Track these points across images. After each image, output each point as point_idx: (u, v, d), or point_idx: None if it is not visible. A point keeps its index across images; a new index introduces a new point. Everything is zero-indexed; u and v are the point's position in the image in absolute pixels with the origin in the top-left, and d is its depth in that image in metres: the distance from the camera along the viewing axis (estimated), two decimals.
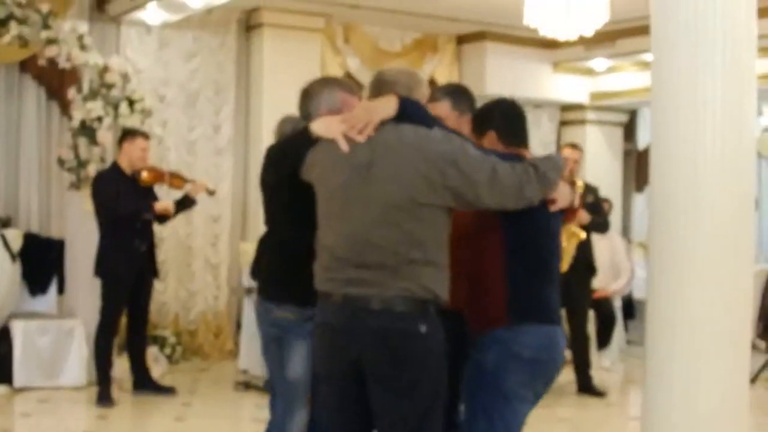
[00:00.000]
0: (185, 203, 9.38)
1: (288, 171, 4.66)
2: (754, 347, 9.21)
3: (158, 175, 9.22)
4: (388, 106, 4.28)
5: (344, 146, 4.27)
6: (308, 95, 4.98)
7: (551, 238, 4.66)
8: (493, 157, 4.28)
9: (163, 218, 9.29)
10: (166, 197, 9.49)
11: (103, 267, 8.95)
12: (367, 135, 4.25)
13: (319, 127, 4.49)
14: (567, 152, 9.50)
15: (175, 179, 9.38)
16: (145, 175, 9.11)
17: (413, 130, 4.25)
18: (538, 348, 4.50)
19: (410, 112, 4.30)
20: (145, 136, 9.21)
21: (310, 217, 4.56)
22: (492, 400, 4.48)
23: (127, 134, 9.15)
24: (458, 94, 4.98)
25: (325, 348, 4.39)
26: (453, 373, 4.48)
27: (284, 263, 4.96)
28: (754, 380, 9.96)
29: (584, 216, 9.03)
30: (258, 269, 6.64)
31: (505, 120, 4.76)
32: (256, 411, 8.77)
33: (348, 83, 5.24)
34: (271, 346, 5.08)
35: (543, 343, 4.53)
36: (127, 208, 8.87)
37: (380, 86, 4.48)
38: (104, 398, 8.69)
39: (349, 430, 4.44)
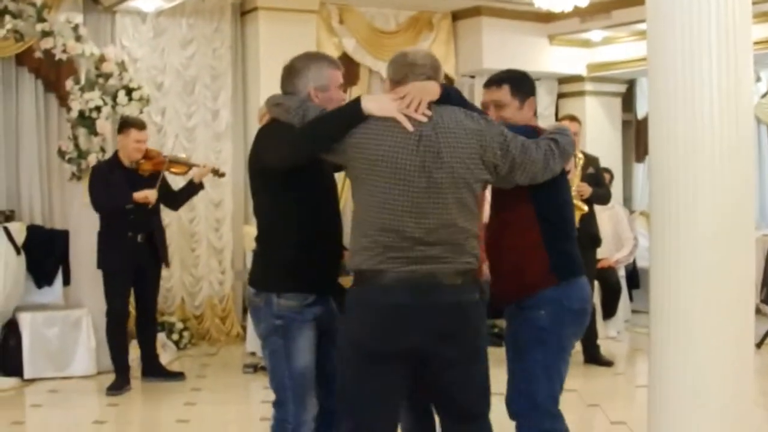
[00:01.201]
0: (190, 190, 9.38)
1: (310, 156, 4.60)
2: (758, 312, 9.24)
3: (158, 164, 9.13)
4: (433, 89, 4.44)
5: (408, 126, 4.34)
6: (294, 71, 4.96)
7: (568, 200, 5.09)
8: (520, 136, 4.58)
9: (174, 204, 9.37)
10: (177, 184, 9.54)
11: (100, 258, 8.99)
12: (422, 114, 4.36)
13: (373, 105, 4.38)
14: (566, 124, 9.47)
15: (176, 165, 9.33)
16: (143, 164, 9.08)
17: (465, 115, 4.47)
18: (583, 299, 4.96)
19: (453, 97, 4.52)
20: (139, 126, 9.15)
21: (310, 203, 4.67)
22: (550, 355, 4.87)
23: (121, 127, 9.13)
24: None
25: (385, 327, 4.40)
26: None
27: (287, 252, 4.90)
28: (759, 345, 9.99)
29: (586, 189, 9.06)
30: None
31: (534, 89, 5.16)
32: (265, 393, 8.78)
33: (332, 57, 5.23)
34: (273, 338, 4.96)
35: (584, 294, 4.98)
36: (109, 202, 8.89)
37: (409, 67, 4.57)
38: (117, 386, 8.75)
39: (391, 408, 4.58)
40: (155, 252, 9.18)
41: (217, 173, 9.64)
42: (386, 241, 4.34)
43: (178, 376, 9.30)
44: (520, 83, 5.01)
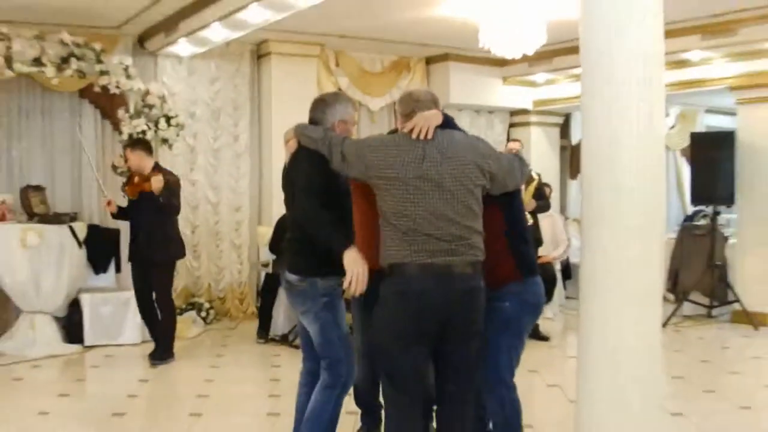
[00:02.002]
0: (155, 200, 8.47)
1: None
2: (665, 299, 9.29)
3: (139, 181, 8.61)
4: (437, 117, 4.61)
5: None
6: (325, 103, 5.02)
7: (523, 210, 5.19)
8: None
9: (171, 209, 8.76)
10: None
11: None
12: (430, 136, 4.52)
13: (348, 263, 4.50)
14: (512, 144, 10.16)
15: (144, 182, 8.54)
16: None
17: (460, 134, 4.68)
18: (539, 294, 5.04)
19: (451, 123, 4.74)
20: (134, 146, 8.78)
21: (337, 207, 4.82)
22: (512, 338, 4.91)
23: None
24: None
25: (416, 310, 4.44)
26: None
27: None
28: (665, 325, 10.05)
29: (532, 204, 9.34)
30: (283, 251, 6.29)
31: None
32: (274, 359, 8.84)
33: (353, 100, 5.27)
34: (323, 313, 4.98)
35: (540, 290, 5.05)
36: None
37: (415, 103, 4.68)
38: (153, 356, 8.68)
39: (423, 378, 4.62)
40: (148, 251, 8.60)
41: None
42: (408, 239, 4.43)
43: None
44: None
